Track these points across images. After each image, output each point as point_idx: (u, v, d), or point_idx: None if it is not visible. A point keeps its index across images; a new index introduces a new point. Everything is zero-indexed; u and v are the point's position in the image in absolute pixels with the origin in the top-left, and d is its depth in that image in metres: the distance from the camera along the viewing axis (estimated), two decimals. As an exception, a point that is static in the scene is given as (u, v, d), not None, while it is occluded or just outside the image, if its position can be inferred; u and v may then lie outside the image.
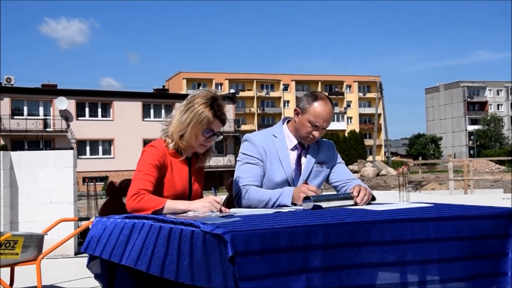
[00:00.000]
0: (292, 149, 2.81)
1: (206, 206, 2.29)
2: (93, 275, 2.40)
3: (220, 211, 2.27)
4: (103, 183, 26.78)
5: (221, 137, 2.61)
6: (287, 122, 2.90)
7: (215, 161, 40.36)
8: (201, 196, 2.63)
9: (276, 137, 2.82)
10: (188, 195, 2.59)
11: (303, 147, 2.83)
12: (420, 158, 46.67)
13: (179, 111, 2.54)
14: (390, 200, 3.17)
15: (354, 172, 35.67)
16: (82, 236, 7.23)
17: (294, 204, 2.57)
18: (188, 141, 2.52)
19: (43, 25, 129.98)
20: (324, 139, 2.95)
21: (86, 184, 11.01)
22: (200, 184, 2.69)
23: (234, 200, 2.74)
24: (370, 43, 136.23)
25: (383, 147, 70.38)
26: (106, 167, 38.06)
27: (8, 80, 39.17)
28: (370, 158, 56.70)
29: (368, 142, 67.88)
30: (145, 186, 2.37)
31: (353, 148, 56.37)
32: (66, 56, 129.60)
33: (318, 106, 2.70)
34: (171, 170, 2.54)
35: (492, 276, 2.11)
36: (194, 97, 2.53)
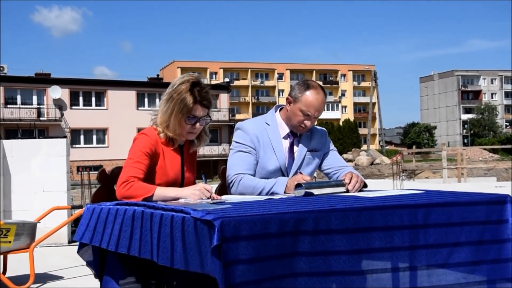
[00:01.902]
0: (285, 137, 2.80)
1: (196, 194, 2.28)
2: (85, 263, 2.40)
3: (210, 198, 2.27)
4: (97, 172, 26.75)
5: (208, 120, 2.58)
6: (280, 110, 2.88)
7: (210, 150, 40.36)
8: (193, 184, 2.60)
9: (269, 125, 2.80)
10: (181, 183, 2.58)
11: (295, 135, 2.82)
12: (414, 147, 46.81)
13: (163, 101, 2.53)
14: (384, 188, 3.17)
15: (349, 161, 35.78)
16: (75, 224, 7.24)
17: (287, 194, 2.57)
18: (174, 131, 2.50)
19: (35, 13, 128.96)
20: (317, 127, 2.94)
21: (80, 173, 10.89)
22: (193, 172, 2.68)
23: (227, 188, 2.74)
24: (365, 31, 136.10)
25: (377, 136, 70.46)
26: (100, 156, 37.97)
27: (1, 68, 39.03)
28: (364, 147, 56.73)
29: (362, 131, 68.00)
30: (135, 174, 2.36)
31: (347, 137, 56.55)
32: (59, 45, 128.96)
33: (310, 95, 2.69)
34: (163, 158, 2.52)
35: (491, 262, 2.12)
36: (174, 85, 2.51)
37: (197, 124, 2.52)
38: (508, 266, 2.14)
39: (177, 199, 2.32)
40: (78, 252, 2.34)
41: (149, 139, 2.48)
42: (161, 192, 2.32)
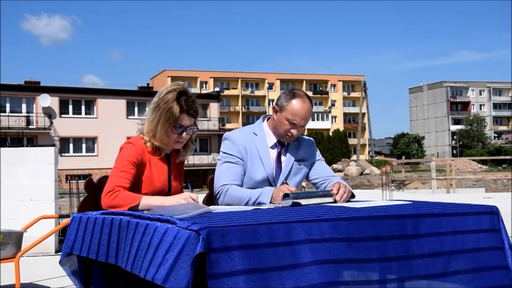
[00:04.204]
0: (272, 147, 2.80)
1: (181, 203, 2.27)
2: (68, 274, 2.36)
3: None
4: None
5: (195, 130, 2.58)
6: (267, 120, 2.88)
7: (199, 160, 40.38)
8: (180, 193, 2.59)
9: (256, 134, 2.80)
10: (168, 193, 2.57)
11: (282, 145, 2.82)
12: (403, 157, 47.07)
13: (149, 110, 2.52)
14: (373, 199, 3.17)
15: (338, 171, 35.91)
16: (62, 233, 7.17)
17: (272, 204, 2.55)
18: (160, 140, 2.49)
19: (24, 21, 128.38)
20: (304, 137, 2.94)
21: (68, 181, 10.68)
22: (180, 181, 2.67)
23: (214, 199, 2.73)
24: (355, 42, 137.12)
25: (367, 146, 70.77)
26: (89, 165, 37.82)
27: None
28: (354, 157, 56.96)
29: (352, 141, 68.29)
30: (121, 183, 2.35)
31: (337, 147, 56.75)
32: (49, 53, 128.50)
33: (295, 104, 2.69)
34: (150, 167, 2.51)
35: (491, 269, 2.12)
36: (161, 94, 2.51)
37: (184, 134, 2.52)
38: (507, 273, 2.14)
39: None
40: (60, 262, 2.31)
41: (135, 148, 2.48)
42: (146, 201, 2.31)
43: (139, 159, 2.47)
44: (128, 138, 2.64)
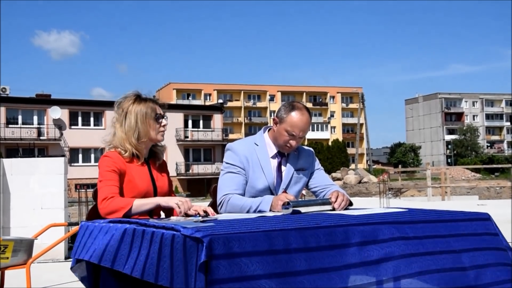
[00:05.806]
0: (273, 157, 2.84)
1: (174, 201, 2.37)
2: (79, 279, 2.39)
3: (201, 214, 2.32)
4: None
5: (167, 117, 2.70)
6: (268, 131, 2.92)
7: (204, 169, 40.55)
8: (168, 193, 2.67)
9: (257, 145, 2.84)
10: (154, 194, 2.61)
11: (283, 155, 2.85)
12: (400, 166, 47.16)
13: (118, 123, 2.60)
14: (370, 206, 3.28)
15: (337, 179, 35.54)
16: (72, 240, 7.22)
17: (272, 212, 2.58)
18: (146, 135, 2.58)
19: (35, 37, 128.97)
20: (304, 147, 2.98)
21: (77, 190, 10.65)
22: (165, 182, 2.70)
23: (217, 208, 2.77)
24: (353, 55, 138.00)
25: (365, 155, 70.69)
26: (98, 175, 38.36)
27: (4, 90, 39.04)
28: (352, 166, 56.48)
29: (350, 150, 68.23)
30: (111, 191, 2.43)
31: (336, 157, 56.57)
32: (59, 67, 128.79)
33: (294, 116, 2.73)
34: (131, 173, 2.56)
35: (494, 266, 2.15)
36: (121, 105, 2.62)
37: (163, 120, 2.64)
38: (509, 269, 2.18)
39: (157, 205, 2.40)
40: (71, 268, 2.33)
41: (110, 158, 2.55)
42: (139, 201, 2.40)
43: (118, 167, 2.53)
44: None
